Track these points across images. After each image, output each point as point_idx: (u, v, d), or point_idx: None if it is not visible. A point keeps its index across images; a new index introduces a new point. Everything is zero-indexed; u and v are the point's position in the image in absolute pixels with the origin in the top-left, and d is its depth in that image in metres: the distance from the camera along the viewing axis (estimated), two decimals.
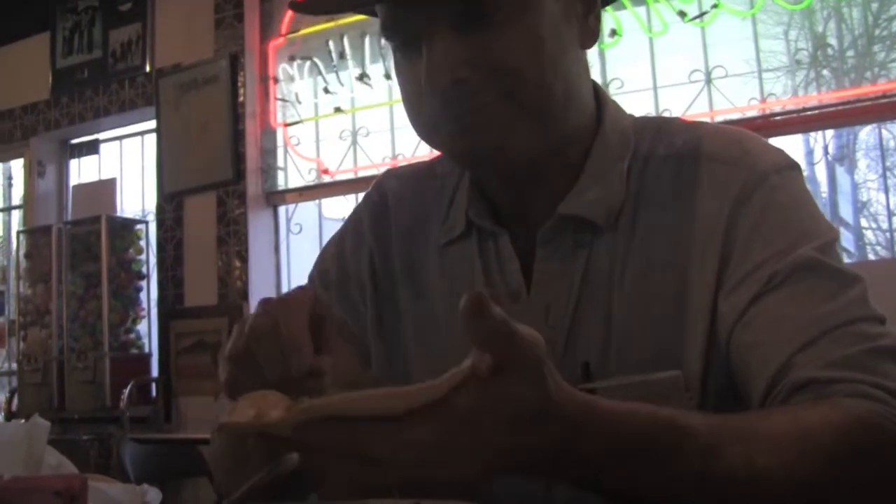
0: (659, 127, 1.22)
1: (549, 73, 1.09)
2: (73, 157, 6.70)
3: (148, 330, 5.84)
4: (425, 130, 1.14)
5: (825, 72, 4.22)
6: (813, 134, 4.37)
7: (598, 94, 1.23)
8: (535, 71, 1.07)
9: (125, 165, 6.43)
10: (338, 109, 5.30)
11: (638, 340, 1.12)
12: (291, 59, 5.45)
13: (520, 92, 1.07)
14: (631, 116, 1.26)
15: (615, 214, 1.16)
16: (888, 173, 4.20)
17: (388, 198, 1.36)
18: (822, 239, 1.09)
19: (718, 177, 1.13)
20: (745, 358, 1.04)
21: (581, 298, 1.15)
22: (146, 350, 5.80)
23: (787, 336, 1.01)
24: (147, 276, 5.87)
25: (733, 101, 4.26)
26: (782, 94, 4.22)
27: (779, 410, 0.96)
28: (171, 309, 5.66)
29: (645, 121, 1.26)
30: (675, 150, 1.18)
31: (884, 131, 4.29)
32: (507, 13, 1.06)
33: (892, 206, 4.11)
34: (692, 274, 1.11)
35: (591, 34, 1.16)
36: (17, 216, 7.08)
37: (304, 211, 5.58)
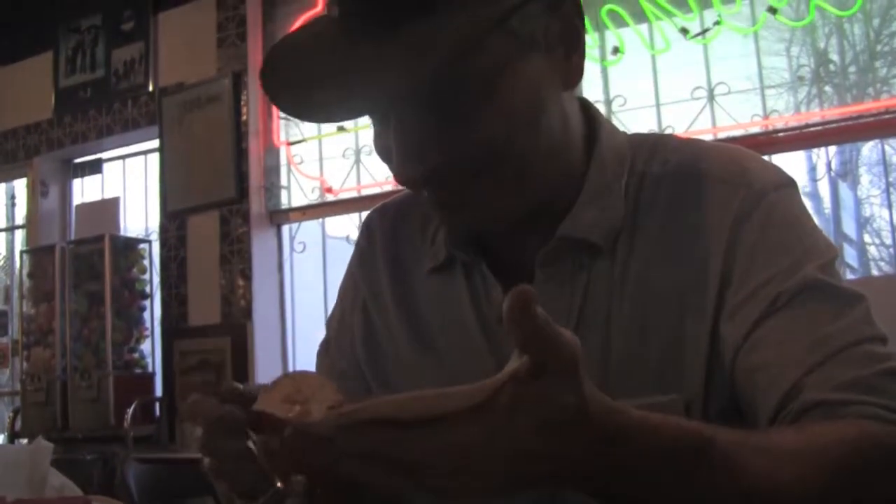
0: (655, 144, 1.21)
1: (526, 141, 1.05)
2: (76, 176, 6.71)
3: (151, 349, 5.83)
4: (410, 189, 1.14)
5: (827, 88, 4.22)
6: (816, 150, 4.37)
7: (591, 113, 1.21)
8: (509, 144, 1.04)
9: (128, 184, 6.43)
10: (341, 128, 5.30)
11: (637, 364, 1.10)
12: None
13: (497, 167, 1.04)
14: (625, 134, 1.24)
15: (615, 234, 1.14)
16: (891, 189, 4.19)
17: (375, 236, 1.35)
18: (823, 258, 1.08)
19: (716, 196, 1.12)
20: (753, 380, 1.03)
21: (580, 321, 1.13)
22: (150, 369, 5.79)
23: (794, 358, 1.00)
24: (150, 296, 5.86)
25: (736, 117, 4.26)
26: (785, 111, 4.22)
27: (795, 428, 0.96)
28: (174, 328, 5.65)
29: (640, 138, 1.24)
30: (672, 168, 1.16)
31: (886, 147, 4.29)
32: (480, 91, 1.01)
33: (895, 222, 4.11)
34: (691, 297, 1.10)
35: (574, 74, 1.12)
36: (20, 236, 7.09)
37: (308, 229, 5.58)
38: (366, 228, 1.38)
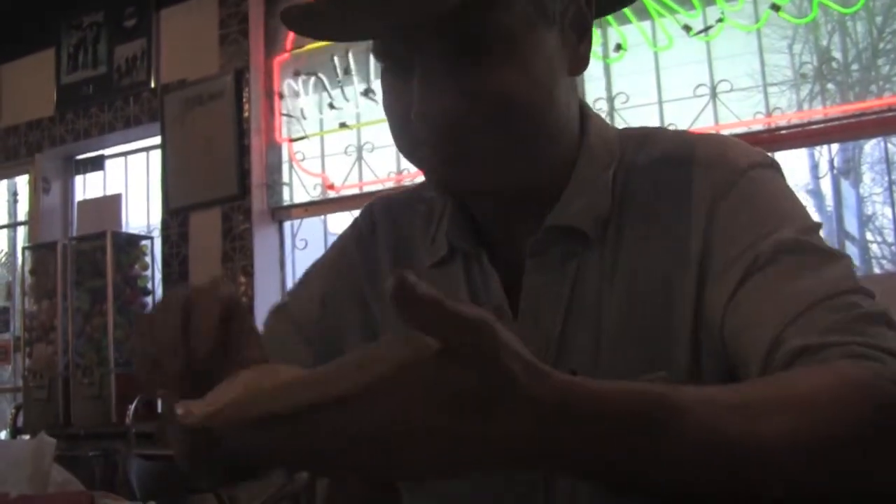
0: (644, 136, 1.22)
1: (542, 106, 1.08)
2: (78, 173, 6.72)
3: None
4: (410, 152, 1.14)
5: (830, 85, 4.22)
6: (818, 148, 4.37)
7: (582, 108, 1.23)
8: (528, 104, 1.06)
9: (130, 181, 6.44)
10: (343, 125, 5.30)
11: (627, 348, 1.11)
12: (296, 74, 5.46)
13: (512, 126, 1.07)
14: (615, 128, 1.26)
15: (603, 223, 1.15)
16: (893, 187, 4.19)
17: (377, 226, 1.36)
18: (803, 223, 1.08)
19: (696, 179, 1.13)
20: (738, 341, 1.03)
21: (571, 308, 1.14)
22: None
23: (775, 313, 0.99)
24: (152, 292, 5.86)
25: (738, 115, 4.26)
26: (787, 108, 4.22)
27: (774, 377, 0.94)
28: None
29: (630, 131, 1.26)
30: (658, 157, 1.18)
31: (889, 145, 4.29)
32: (504, 45, 1.05)
33: None
34: (675, 279, 1.11)
35: (581, 61, 1.15)
36: (22, 232, 7.10)
37: (310, 226, 5.59)
38: (367, 215, 1.38)
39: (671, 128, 1.31)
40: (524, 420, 0.68)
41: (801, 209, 1.12)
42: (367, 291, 1.32)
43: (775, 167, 1.17)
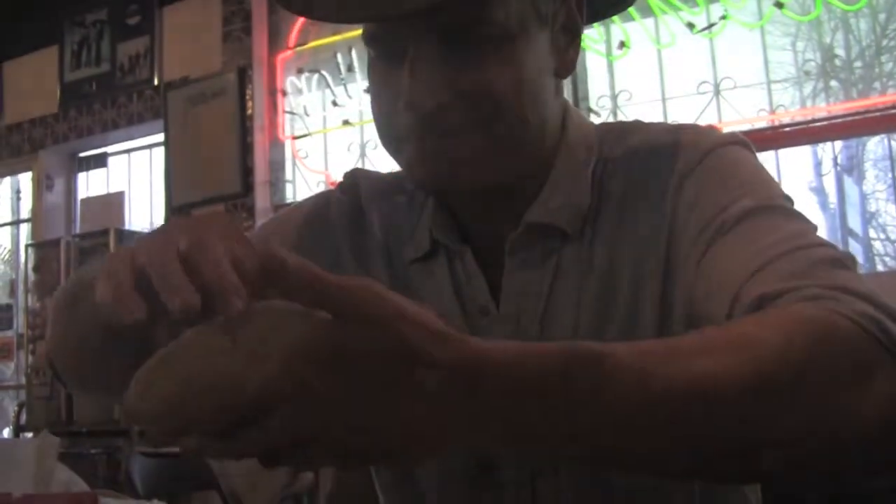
0: (623, 130, 1.22)
1: (529, 106, 1.08)
2: (81, 170, 6.72)
3: None
4: (392, 144, 1.12)
5: (833, 83, 4.22)
6: (821, 145, 4.37)
7: (562, 105, 1.22)
8: (515, 103, 1.06)
9: (133, 179, 6.45)
10: (346, 122, 5.30)
11: (602, 340, 1.10)
12: (299, 71, 5.46)
13: (497, 123, 1.06)
14: (593, 123, 1.25)
15: (581, 220, 1.15)
16: None
17: (361, 203, 1.30)
18: (773, 191, 1.07)
19: (664, 165, 1.13)
20: (705, 307, 1.01)
21: (549, 306, 1.14)
22: None
23: (737, 272, 0.97)
24: None
25: (741, 112, 4.26)
26: (791, 106, 4.22)
27: (721, 325, 0.91)
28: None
29: (609, 126, 1.26)
30: (633, 149, 1.17)
31: (892, 142, 4.28)
32: (497, 43, 1.04)
33: None
34: (646, 264, 1.11)
35: (568, 65, 1.15)
36: (25, 229, 7.10)
37: None
38: (351, 189, 1.32)
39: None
40: (429, 387, 0.64)
41: (771, 181, 1.11)
42: (346, 262, 1.26)
43: (745, 144, 1.16)
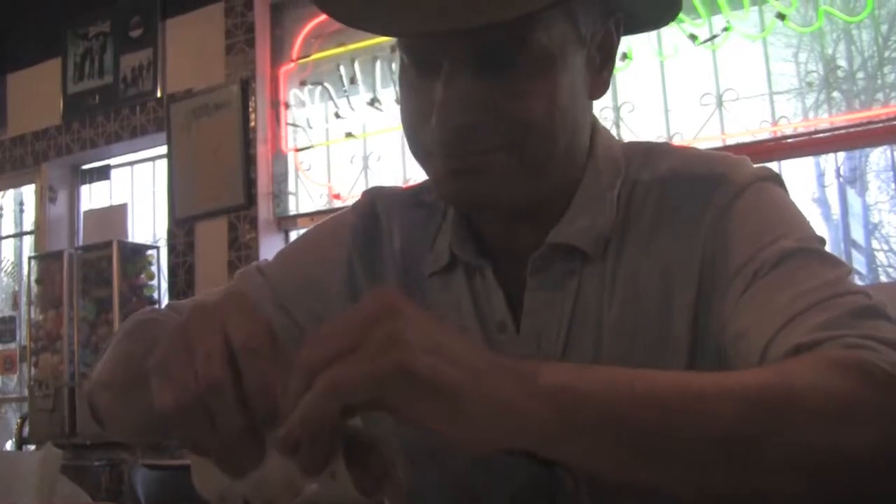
0: (648, 151, 1.22)
1: (559, 131, 1.08)
2: (84, 182, 6.72)
3: None
4: (420, 154, 1.12)
5: (836, 94, 4.21)
6: (824, 156, 4.36)
7: (592, 124, 1.22)
8: (545, 127, 1.06)
9: (136, 191, 6.45)
10: (349, 134, 5.30)
11: (625, 364, 1.10)
12: (302, 84, 5.46)
13: (526, 146, 1.06)
14: (620, 142, 1.25)
15: (604, 242, 1.15)
16: None
17: (380, 220, 1.32)
18: (808, 232, 1.08)
19: (697, 196, 1.13)
20: (737, 349, 1.02)
21: (572, 326, 1.14)
22: None
23: (771, 317, 0.98)
24: (158, 302, 5.86)
25: (744, 123, 4.26)
26: (793, 117, 4.22)
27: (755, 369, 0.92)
28: None
29: (634, 146, 1.25)
30: (662, 175, 1.17)
31: (895, 153, 4.28)
32: (536, 67, 1.04)
33: None
34: (676, 295, 1.11)
35: (602, 87, 1.15)
36: (28, 242, 7.10)
37: None
38: (369, 206, 1.34)
39: (676, 137, 1.31)
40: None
41: (805, 221, 1.12)
42: (361, 283, 1.28)
43: (777, 181, 1.17)
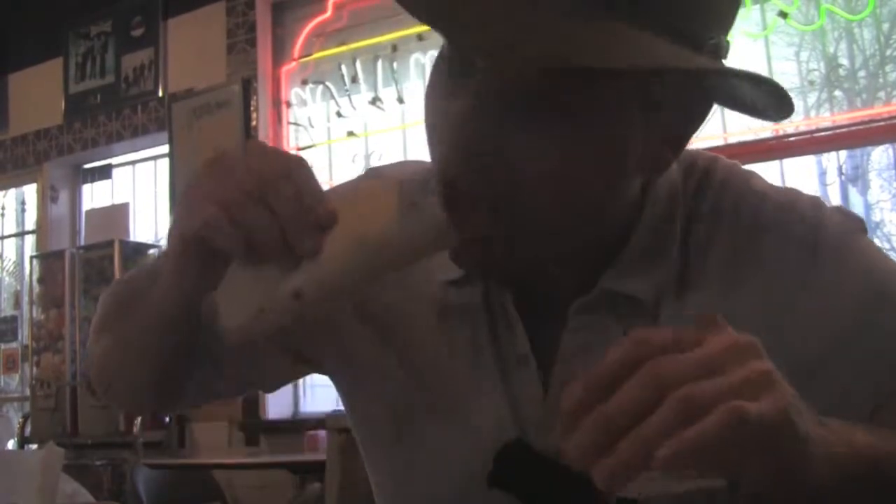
0: (706, 172, 1.06)
1: (595, 203, 0.94)
2: (85, 181, 6.72)
3: None
4: (432, 154, 0.96)
5: (837, 92, 4.21)
6: (826, 155, 4.36)
7: None
8: (579, 202, 0.91)
9: (138, 190, 6.45)
10: (350, 133, 5.30)
11: None
12: (304, 83, 5.46)
13: (548, 216, 0.91)
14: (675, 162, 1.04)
15: (662, 289, 1.00)
16: None
17: None
18: None
19: (792, 248, 0.99)
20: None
21: None
22: None
23: None
24: None
25: (746, 122, 4.25)
26: (795, 116, 4.20)
27: None
28: None
29: (688, 161, 1.07)
30: (726, 213, 1.02)
31: None
32: (580, 126, 0.86)
33: None
34: None
35: (663, 164, 0.98)
36: (30, 241, 7.10)
37: None
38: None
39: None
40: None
41: None
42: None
43: (865, 228, 1.04)
